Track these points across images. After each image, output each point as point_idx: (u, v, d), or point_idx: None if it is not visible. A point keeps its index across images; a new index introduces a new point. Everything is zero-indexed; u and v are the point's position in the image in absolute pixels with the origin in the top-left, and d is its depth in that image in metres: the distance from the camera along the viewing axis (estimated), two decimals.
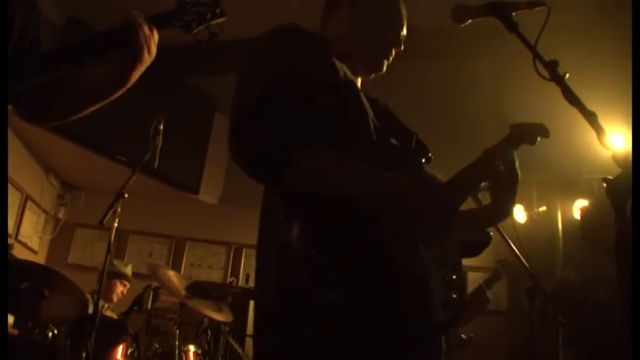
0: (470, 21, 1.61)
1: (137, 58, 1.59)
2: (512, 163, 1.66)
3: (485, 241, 1.61)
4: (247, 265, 6.59)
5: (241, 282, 6.46)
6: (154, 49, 1.61)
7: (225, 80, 6.49)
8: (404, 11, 1.76)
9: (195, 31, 1.66)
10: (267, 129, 1.33)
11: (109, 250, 3.30)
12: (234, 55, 6.43)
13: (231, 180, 6.36)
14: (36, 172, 6.22)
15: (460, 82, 5.32)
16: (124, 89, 1.68)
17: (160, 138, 3.43)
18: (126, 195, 3.20)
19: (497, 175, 1.66)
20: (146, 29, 1.58)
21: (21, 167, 5.86)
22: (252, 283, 6.10)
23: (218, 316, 4.10)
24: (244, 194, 6.20)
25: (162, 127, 3.44)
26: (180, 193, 5.98)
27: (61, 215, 6.75)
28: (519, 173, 1.66)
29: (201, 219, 6.58)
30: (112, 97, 1.70)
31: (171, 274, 4.17)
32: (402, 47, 1.74)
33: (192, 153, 5.83)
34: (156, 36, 1.61)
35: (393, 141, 1.61)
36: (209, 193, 6.26)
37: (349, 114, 1.51)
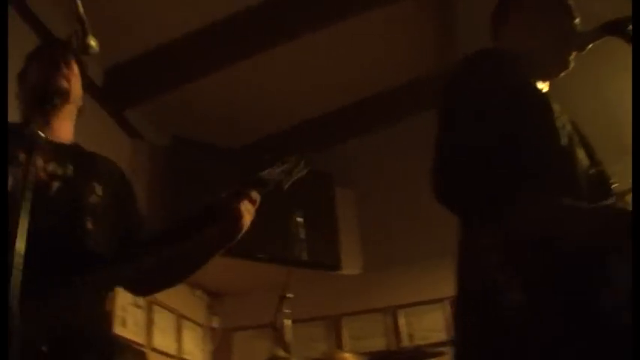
0: (590, 45, 1.57)
1: (237, 231, 1.68)
2: None
3: None
4: (406, 325, 6.51)
5: (405, 342, 6.41)
6: (249, 219, 1.68)
7: (335, 151, 6.69)
8: None
9: (285, 187, 1.77)
10: (483, 166, 1.30)
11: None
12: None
13: (368, 247, 6.39)
14: (183, 291, 6.49)
15: None
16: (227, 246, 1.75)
17: (303, 230, 3.50)
18: (289, 295, 3.27)
19: None
20: (245, 206, 1.66)
21: (170, 291, 6.11)
22: (417, 341, 6.10)
23: None
24: (385, 257, 6.28)
25: (301, 219, 3.51)
26: (323, 274, 6.03)
27: (215, 324, 6.97)
28: None
29: (349, 292, 6.59)
30: (217, 254, 1.77)
31: (348, 355, 4.19)
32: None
33: (325, 232, 5.90)
34: (253, 205, 1.69)
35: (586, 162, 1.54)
36: (350, 265, 6.30)
37: (554, 141, 1.46)
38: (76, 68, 1.87)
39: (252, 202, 1.68)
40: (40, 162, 1.59)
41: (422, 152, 6.62)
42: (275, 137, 6.06)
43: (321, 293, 6.47)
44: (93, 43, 1.47)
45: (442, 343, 6.01)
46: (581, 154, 1.50)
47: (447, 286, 6.18)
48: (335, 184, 6.16)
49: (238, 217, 1.64)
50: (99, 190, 1.75)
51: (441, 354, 4.76)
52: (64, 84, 1.81)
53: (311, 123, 5.86)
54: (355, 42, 5.45)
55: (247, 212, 1.66)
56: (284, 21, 5.03)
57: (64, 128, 1.86)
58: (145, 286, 1.84)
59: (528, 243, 1.29)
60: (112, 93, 5.27)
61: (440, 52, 5.77)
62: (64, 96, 1.82)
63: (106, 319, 1.81)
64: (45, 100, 1.77)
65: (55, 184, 1.63)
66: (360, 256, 6.45)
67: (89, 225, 1.65)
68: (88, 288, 1.58)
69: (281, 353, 4.93)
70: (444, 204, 1.35)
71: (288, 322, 3.34)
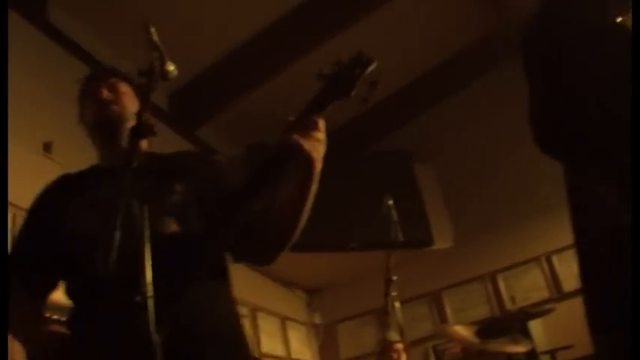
0: None
1: (310, 163, 1.59)
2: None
3: None
4: (507, 289, 6.47)
5: (508, 305, 6.36)
6: (320, 146, 1.60)
7: (408, 129, 6.69)
8: None
9: (354, 92, 1.57)
10: (592, 111, 1.27)
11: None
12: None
13: (456, 219, 6.38)
14: (282, 293, 6.64)
15: None
16: (313, 192, 1.66)
17: (395, 212, 3.53)
18: (394, 278, 3.31)
19: None
20: (310, 142, 1.57)
21: (269, 295, 6.29)
22: (520, 303, 6.05)
23: (519, 348, 4.06)
24: (474, 225, 6.24)
25: (391, 202, 3.54)
26: (416, 252, 6.04)
27: (317, 320, 7.09)
28: None
29: (445, 266, 6.58)
30: (308, 206, 1.68)
31: (458, 328, 4.21)
32: None
33: (413, 210, 5.91)
34: (320, 125, 1.59)
35: None
36: (442, 239, 6.28)
37: None
38: (122, 86, 1.90)
39: (312, 126, 1.58)
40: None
41: (493, 113, 6.59)
42: (347, 125, 6.09)
43: (417, 271, 6.47)
44: (172, 68, 1.50)
45: (545, 301, 5.96)
46: None
47: (539, 243, 6.17)
48: (413, 161, 6.17)
49: (300, 149, 1.56)
50: (179, 188, 1.75)
51: (549, 311, 4.72)
52: (109, 111, 1.85)
53: (379, 105, 5.87)
54: (409, 18, 5.46)
55: (308, 140, 1.57)
56: (335, 12, 5.07)
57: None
58: (249, 250, 1.77)
59: None
60: (180, 115, 5.44)
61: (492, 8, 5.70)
62: (117, 121, 1.84)
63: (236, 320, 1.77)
64: (104, 134, 1.85)
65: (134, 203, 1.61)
66: (449, 229, 6.43)
67: (173, 226, 1.66)
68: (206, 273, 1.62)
69: (392, 337, 4.99)
70: (551, 153, 1.32)
71: (397, 305, 3.38)
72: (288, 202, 1.67)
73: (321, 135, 1.59)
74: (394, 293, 3.33)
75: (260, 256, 1.82)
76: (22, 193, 3.70)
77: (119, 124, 1.83)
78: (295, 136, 1.57)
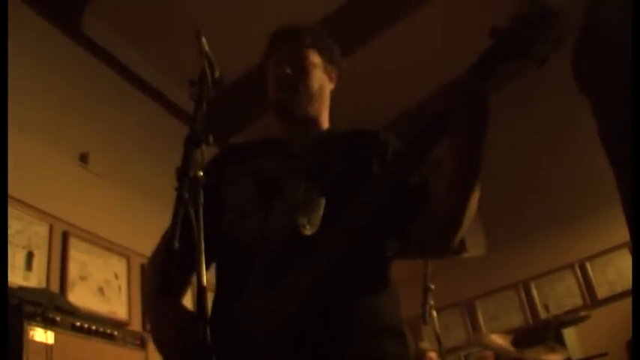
0: None
1: (476, 127, 1.45)
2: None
3: None
4: (541, 296, 6.41)
5: (541, 313, 6.31)
6: (483, 108, 1.44)
7: None
8: None
9: (533, 52, 1.32)
10: None
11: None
12: None
13: (488, 226, 6.32)
14: None
15: None
16: (480, 161, 1.50)
17: None
18: (432, 287, 3.29)
19: None
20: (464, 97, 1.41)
21: None
22: (553, 311, 5.99)
23: (555, 356, 4.03)
24: (506, 233, 6.19)
25: None
26: (448, 260, 6.01)
27: None
28: None
29: (477, 274, 6.54)
30: (476, 174, 1.51)
31: (494, 336, 4.18)
32: None
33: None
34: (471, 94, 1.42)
35: None
36: (475, 247, 6.23)
37: None
38: (310, 55, 1.77)
39: (474, 95, 1.42)
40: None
41: (524, 120, 6.54)
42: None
43: (450, 280, 6.44)
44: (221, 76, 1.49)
45: (579, 309, 5.90)
46: None
47: (573, 250, 6.10)
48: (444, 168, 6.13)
49: (459, 116, 1.41)
50: (338, 166, 1.64)
51: (584, 319, 4.67)
52: (290, 96, 1.74)
53: (406, 112, 5.85)
54: (442, 22, 5.48)
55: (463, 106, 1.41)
56: (368, 17, 5.11)
57: (319, 121, 1.80)
58: (432, 239, 1.59)
59: None
60: (214, 127, 5.47)
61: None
62: (299, 106, 1.75)
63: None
64: (285, 117, 1.76)
65: (291, 179, 1.59)
66: (482, 237, 6.38)
67: (323, 204, 1.53)
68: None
69: (426, 345, 4.97)
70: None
71: (434, 314, 3.37)
72: (459, 171, 1.52)
73: (482, 106, 1.43)
74: (432, 302, 3.31)
75: (432, 248, 1.69)
76: (59, 202, 3.79)
77: (303, 106, 1.76)
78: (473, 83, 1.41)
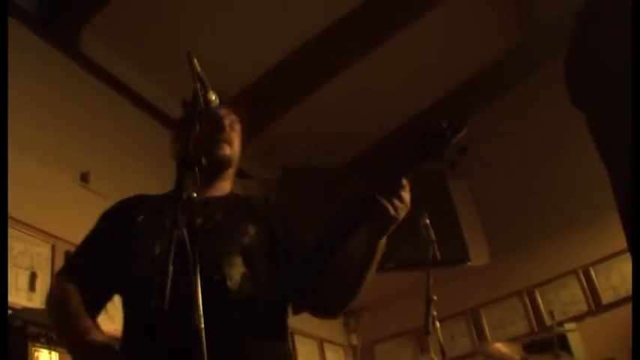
0: None
1: (390, 224, 1.60)
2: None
3: None
4: (546, 304, 6.38)
5: (546, 320, 6.27)
6: (403, 210, 1.59)
7: None
8: None
9: (445, 158, 1.58)
10: None
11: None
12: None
13: (491, 235, 6.34)
14: None
15: None
16: (380, 251, 1.66)
17: (432, 231, 3.51)
18: (435, 297, 3.29)
19: None
20: (395, 202, 1.56)
21: (306, 317, 6.26)
22: (559, 317, 5.96)
23: None
24: (509, 241, 6.19)
25: (428, 221, 3.53)
26: (452, 269, 6.00)
27: (354, 341, 7.04)
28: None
29: (482, 282, 6.52)
30: (375, 262, 1.68)
31: (499, 345, 4.17)
32: None
33: (448, 227, 5.88)
34: (407, 188, 1.60)
35: None
36: (478, 256, 6.24)
37: None
38: (239, 128, 1.95)
39: (399, 188, 1.58)
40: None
41: (525, 128, 6.56)
42: (380, 145, 6.11)
43: (454, 289, 6.43)
44: (214, 97, 1.52)
45: (584, 315, 5.88)
46: None
47: (576, 256, 6.10)
48: (447, 178, 6.15)
49: (385, 211, 1.56)
50: (252, 230, 1.75)
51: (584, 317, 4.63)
52: (228, 151, 1.89)
53: (411, 123, 5.88)
54: (441, 32, 5.50)
55: (393, 201, 1.57)
56: (367, 29, 5.13)
57: (222, 186, 1.93)
58: (326, 303, 1.79)
59: None
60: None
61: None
62: (227, 164, 1.91)
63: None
64: (210, 169, 1.75)
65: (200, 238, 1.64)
66: (485, 246, 6.38)
67: (242, 267, 1.67)
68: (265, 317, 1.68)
69: (430, 357, 4.96)
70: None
71: (437, 324, 3.36)
72: (360, 257, 1.68)
73: (407, 197, 1.60)
74: (434, 313, 3.31)
75: (325, 310, 1.84)
76: (61, 222, 3.78)
77: (226, 168, 1.96)
78: (380, 197, 1.57)
